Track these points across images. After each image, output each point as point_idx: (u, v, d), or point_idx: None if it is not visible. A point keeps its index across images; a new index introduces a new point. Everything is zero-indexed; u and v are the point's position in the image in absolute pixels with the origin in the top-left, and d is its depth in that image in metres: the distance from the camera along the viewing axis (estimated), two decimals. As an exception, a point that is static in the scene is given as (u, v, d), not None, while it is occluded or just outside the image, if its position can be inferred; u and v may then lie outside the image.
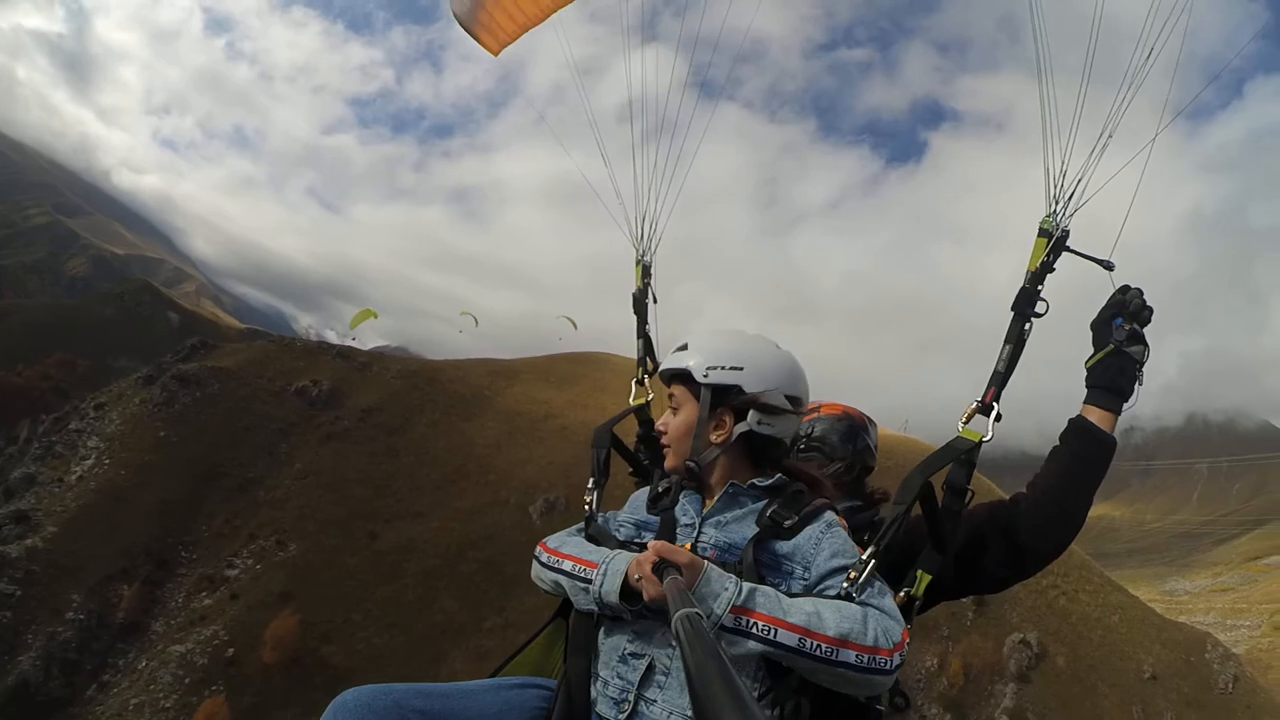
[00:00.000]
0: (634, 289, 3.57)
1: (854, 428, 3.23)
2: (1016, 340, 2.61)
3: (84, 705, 44.68)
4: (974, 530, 2.65)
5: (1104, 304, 2.71)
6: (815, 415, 3.26)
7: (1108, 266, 2.67)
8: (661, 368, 2.55)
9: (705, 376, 2.40)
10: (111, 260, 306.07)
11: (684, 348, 2.49)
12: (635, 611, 2.14)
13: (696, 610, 1.44)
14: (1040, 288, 2.64)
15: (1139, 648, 56.68)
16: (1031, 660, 53.19)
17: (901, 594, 2.44)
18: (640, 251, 3.56)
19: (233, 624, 46.80)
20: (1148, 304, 2.67)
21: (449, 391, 68.73)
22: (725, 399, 2.41)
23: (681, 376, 2.46)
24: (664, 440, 2.48)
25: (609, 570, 2.17)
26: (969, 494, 2.51)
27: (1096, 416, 2.61)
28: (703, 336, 2.50)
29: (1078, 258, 2.67)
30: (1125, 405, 2.63)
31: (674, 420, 2.47)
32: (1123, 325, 2.63)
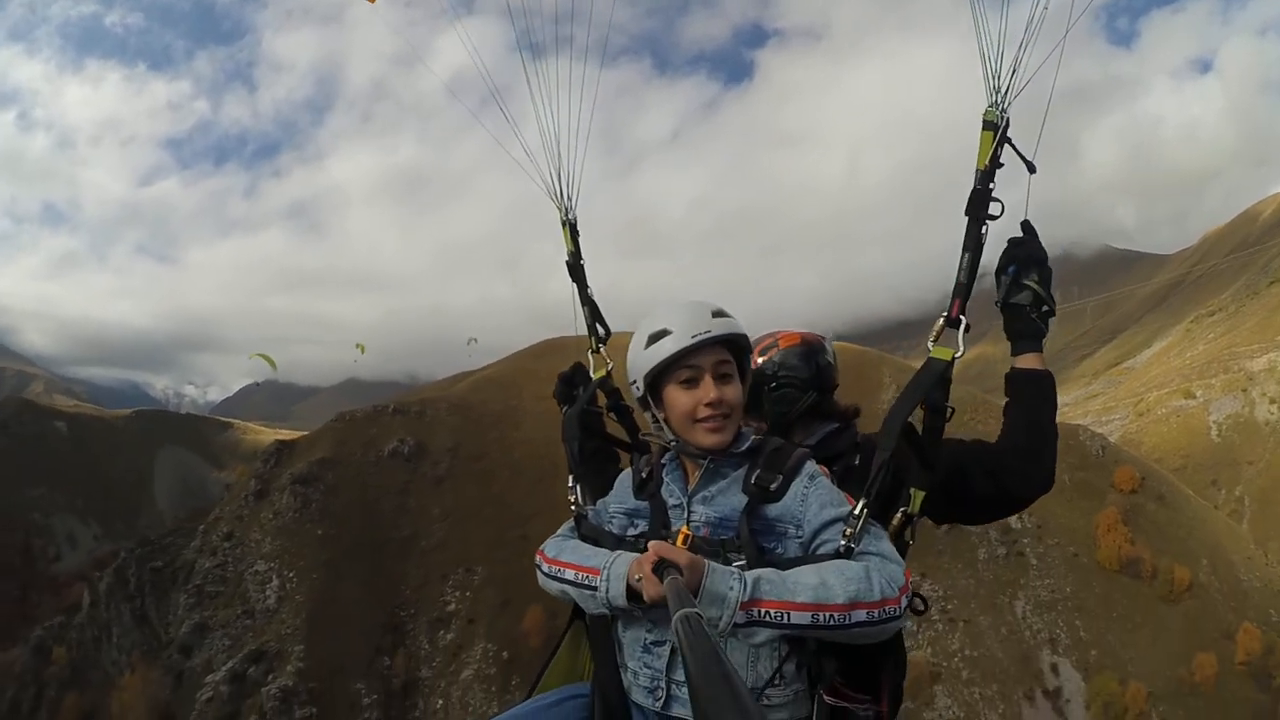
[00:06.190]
0: (566, 255, 3.53)
1: (811, 350, 3.29)
2: (975, 246, 2.66)
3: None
4: (961, 466, 2.81)
5: (1000, 253, 2.82)
6: (775, 349, 3.30)
7: (1031, 169, 2.72)
8: (716, 332, 2.43)
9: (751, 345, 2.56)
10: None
11: (724, 312, 2.50)
12: (643, 610, 2.26)
13: (696, 610, 1.51)
14: (992, 186, 2.66)
15: None
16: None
17: (899, 514, 2.61)
18: (564, 211, 3.54)
19: (490, 637, 63.13)
20: (1036, 248, 2.83)
21: (487, 411, 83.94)
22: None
23: (740, 346, 2.53)
24: (724, 410, 2.44)
25: (611, 575, 2.30)
26: (949, 410, 2.61)
27: (1024, 361, 2.83)
28: (720, 304, 2.53)
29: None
30: (1044, 339, 2.86)
31: (732, 389, 2.47)
32: (1008, 277, 2.83)
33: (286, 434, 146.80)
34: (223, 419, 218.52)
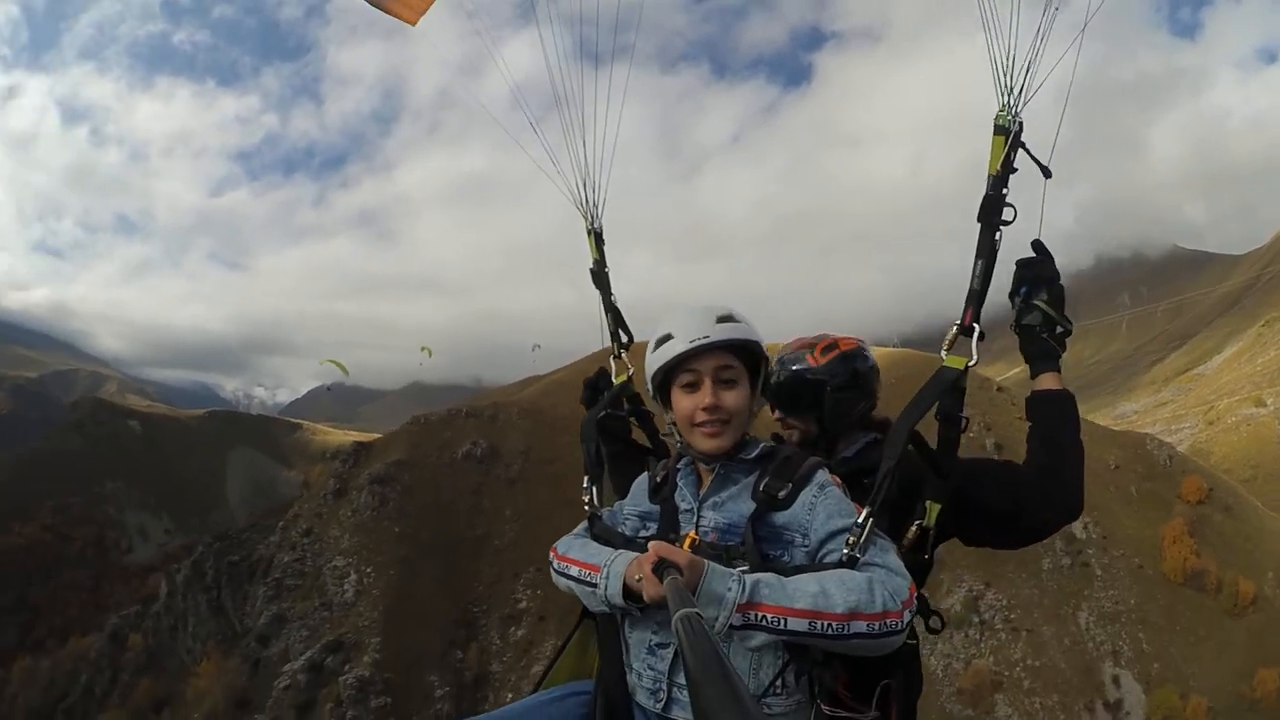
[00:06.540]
0: (590, 262, 3.67)
1: (862, 356, 3.35)
2: (989, 253, 2.67)
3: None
4: (977, 478, 2.83)
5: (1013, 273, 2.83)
6: (836, 351, 3.29)
7: (1046, 174, 2.72)
8: (718, 337, 2.49)
9: (765, 351, 2.59)
10: (29, 386, 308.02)
11: (732, 317, 2.54)
12: (643, 609, 2.32)
13: (696, 610, 1.53)
14: (1006, 191, 2.67)
15: (1103, 449, 74.53)
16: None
17: (914, 527, 2.64)
18: (589, 220, 3.64)
19: (559, 634, 62.12)
20: (1046, 267, 2.82)
21: (558, 415, 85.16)
22: (766, 376, 2.65)
23: (745, 349, 2.55)
24: (721, 416, 2.50)
25: (610, 573, 2.36)
26: (964, 421, 2.65)
27: (1042, 383, 2.83)
28: (731, 308, 2.58)
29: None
30: (1060, 359, 2.82)
31: (733, 395, 2.52)
32: (1020, 298, 2.84)
33: (354, 435, 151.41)
34: (292, 420, 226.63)
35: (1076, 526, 67.76)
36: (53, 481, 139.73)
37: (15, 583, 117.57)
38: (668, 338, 2.55)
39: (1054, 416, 2.81)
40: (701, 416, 2.50)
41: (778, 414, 3.33)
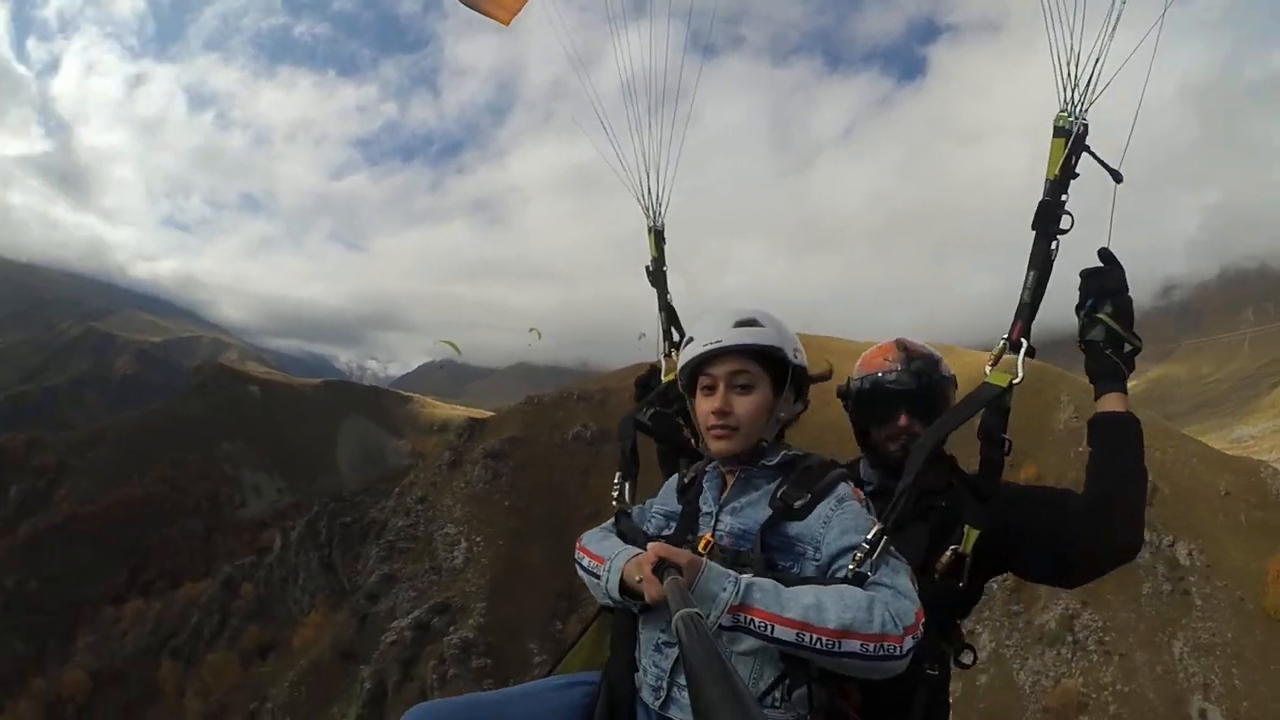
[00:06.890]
0: (649, 260, 3.65)
1: None
2: (1042, 264, 2.52)
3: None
4: (1027, 502, 2.76)
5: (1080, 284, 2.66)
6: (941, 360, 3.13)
7: (1117, 178, 2.54)
8: (730, 342, 2.46)
9: (795, 356, 2.52)
10: (152, 350, 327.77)
11: (754, 321, 2.49)
12: (641, 607, 2.32)
13: (696, 610, 1.54)
14: (1065, 198, 2.52)
15: (1215, 475, 71.50)
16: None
17: (949, 552, 2.57)
18: (652, 218, 3.63)
19: None
20: (1110, 278, 2.63)
21: None
22: (799, 381, 2.57)
23: (762, 354, 2.49)
24: (729, 422, 2.46)
25: (611, 568, 2.38)
26: (1007, 443, 2.49)
27: (1105, 404, 2.62)
28: (764, 313, 2.53)
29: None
30: (1127, 377, 2.61)
31: (746, 400, 2.48)
32: (1085, 311, 2.63)
33: (461, 410, 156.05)
34: (402, 392, 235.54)
35: (1181, 553, 66.61)
36: (173, 440, 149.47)
37: (130, 531, 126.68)
38: (689, 340, 2.59)
39: (1116, 440, 2.62)
40: (711, 420, 2.50)
41: (905, 419, 3.08)
